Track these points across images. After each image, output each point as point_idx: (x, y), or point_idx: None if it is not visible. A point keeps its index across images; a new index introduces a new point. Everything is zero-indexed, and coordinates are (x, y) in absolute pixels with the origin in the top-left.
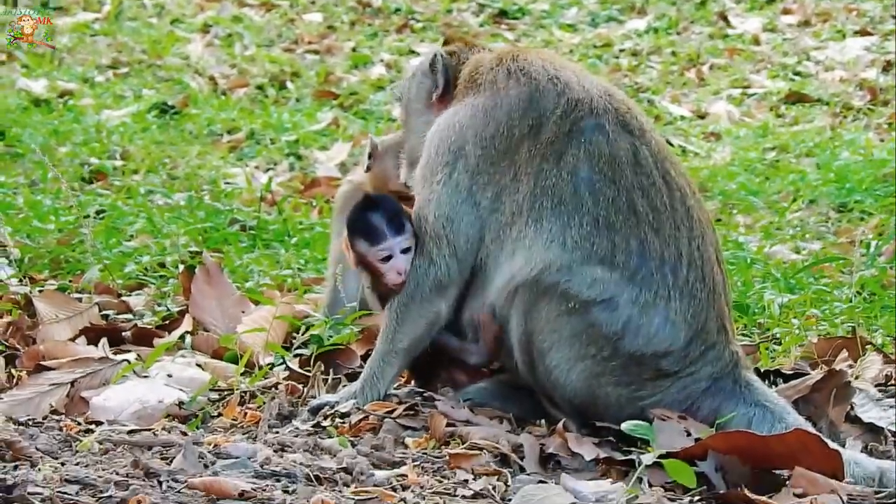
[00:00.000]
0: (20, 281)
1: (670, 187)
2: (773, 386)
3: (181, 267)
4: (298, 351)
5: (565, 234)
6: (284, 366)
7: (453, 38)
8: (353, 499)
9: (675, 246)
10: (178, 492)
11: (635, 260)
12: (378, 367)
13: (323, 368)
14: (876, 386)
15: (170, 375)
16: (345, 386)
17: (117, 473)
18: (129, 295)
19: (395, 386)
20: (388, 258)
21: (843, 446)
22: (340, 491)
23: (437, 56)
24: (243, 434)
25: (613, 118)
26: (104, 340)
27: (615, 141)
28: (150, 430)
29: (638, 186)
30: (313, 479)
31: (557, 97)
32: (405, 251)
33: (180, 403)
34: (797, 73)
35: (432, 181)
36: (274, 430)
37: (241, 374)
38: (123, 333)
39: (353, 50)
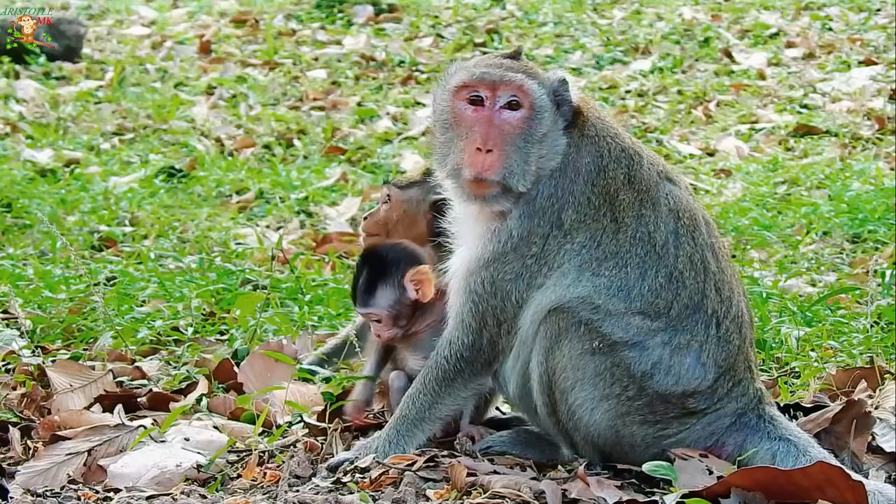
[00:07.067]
0: (33, 352)
1: (725, 247)
2: (794, 419)
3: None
4: (315, 408)
5: (641, 283)
6: (302, 423)
7: None
8: None
9: (728, 303)
10: None
11: (687, 312)
12: (407, 430)
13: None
14: None
15: (187, 439)
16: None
17: None
18: (143, 360)
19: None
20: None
21: (867, 477)
22: None
23: (565, 81)
24: (263, 494)
25: (682, 183)
26: (119, 407)
27: (689, 201)
28: (168, 494)
29: (709, 246)
30: None
31: (640, 156)
32: (377, 321)
33: (199, 467)
34: (804, 106)
35: (524, 253)
36: (294, 488)
37: (260, 434)
38: (139, 399)
39: (359, 104)
